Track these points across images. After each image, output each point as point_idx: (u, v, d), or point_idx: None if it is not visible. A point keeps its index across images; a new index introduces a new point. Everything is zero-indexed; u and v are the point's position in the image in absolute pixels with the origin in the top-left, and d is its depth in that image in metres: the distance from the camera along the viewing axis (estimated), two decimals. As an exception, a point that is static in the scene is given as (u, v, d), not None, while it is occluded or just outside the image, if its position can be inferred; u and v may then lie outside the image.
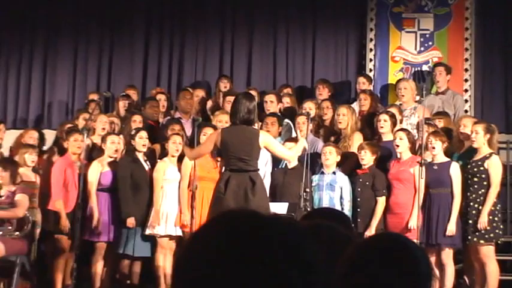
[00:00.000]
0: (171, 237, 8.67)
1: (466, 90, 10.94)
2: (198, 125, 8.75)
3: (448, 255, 8.16)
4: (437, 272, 8.07)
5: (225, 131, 7.42)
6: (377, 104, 10.10)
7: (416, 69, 11.12)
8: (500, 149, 9.56)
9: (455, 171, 8.22)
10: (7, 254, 8.04)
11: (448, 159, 8.36)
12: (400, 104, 9.87)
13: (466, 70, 11.00)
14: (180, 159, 8.79)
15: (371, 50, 11.32)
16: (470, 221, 8.12)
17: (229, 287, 1.34)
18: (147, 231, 8.70)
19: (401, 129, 8.75)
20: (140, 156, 8.92)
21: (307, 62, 11.69)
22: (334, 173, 8.57)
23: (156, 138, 9.63)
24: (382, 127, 8.93)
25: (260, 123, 9.10)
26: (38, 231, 8.64)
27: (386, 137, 8.89)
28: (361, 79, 10.65)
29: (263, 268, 1.35)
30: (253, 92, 9.30)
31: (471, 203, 8.17)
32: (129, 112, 10.20)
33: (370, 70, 11.24)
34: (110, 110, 10.89)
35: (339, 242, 2.43)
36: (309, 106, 9.63)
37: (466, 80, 10.99)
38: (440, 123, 9.19)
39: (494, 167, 8.18)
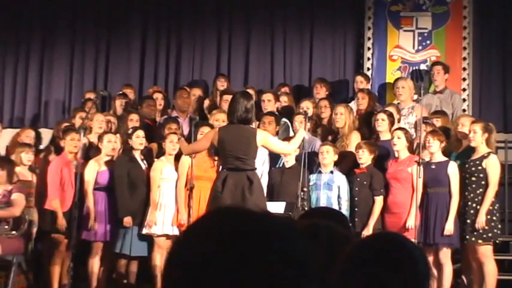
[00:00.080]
0: (168, 236, 8.65)
1: (464, 89, 10.92)
2: (195, 124, 8.72)
3: (446, 254, 8.15)
4: (435, 271, 8.05)
5: (222, 130, 7.41)
6: (375, 103, 10.09)
7: (414, 68, 11.10)
8: (498, 148, 9.56)
9: (453, 170, 8.20)
10: (3, 254, 8.02)
11: (446, 159, 8.34)
12: (398, 103, 9.85)
13: (464, 69, 10.99)
14: (177, 158, 8.78)
15: (369, 48, 11.30)
16: (468, 221, 8.11)
17: (220, 283, 1.32)
18: (144, 231, 8.69)
19: (399, 129, 8.74)
20: (137, 155, 8.90)
21: (305, 60, 11.67)
22: (331, 172, 8.55)
23: (153, 137, 9.62)
24: (379, 126, 8.91)
25: (257, 122, 9.08)
26: (34, 230, 8.62)
27: (384, 136, 8.88)
28: (359, 78, 10.63)
29: (255, 265, 1.33)
30: (250, 91, 9.26)
31: (469, 203, 8.16)
32: (126, 111, 10.18)
33: (368, 69, 11.22)
34: (106, 109, 10.87)
35: (337, 241, 2.45)
36: (307, 105, 9.61)
37: (464, 79, 10.97)
38: (438, 122, 9.18)
39: (492, 167, 8.17)
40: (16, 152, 8.83)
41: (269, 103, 9.92)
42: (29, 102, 12.04)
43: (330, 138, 9.30)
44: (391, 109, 9.24)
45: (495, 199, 8.20)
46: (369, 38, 11.32)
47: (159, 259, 8.58)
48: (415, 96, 9.89)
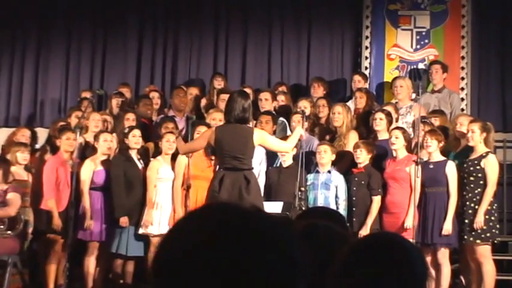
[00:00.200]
0: (164, 236, 8.59)
1: (462, 89, 10.91)
2: (192, 123, 8.68)
3: (444, 254, 8.12)
4: (433, 272, 8.03)
5: (219, 129, 7.38)
6: (373, 102, 10.07)
7: (412, 67, 11.08)
8: (496, 148, 9.57)
9: (451, 170, 8.18)
10: (-1, 254, 7.99)
11: (444, 158, 8.32)
12: (396, 102, 9.84)
13: (463, 68, 10.97)
14: (174, 157, 8.75)
15: (367, 47, 11.27)
16: (467, 221, 8.08)
17: (209, 278, 1.31)
18: (141, 231, 8.66)
19: (397, 128, 8.71)
20: (133, 155, 8.87)
21: (302, 59, 11.65)
22: (329, 172, 8.53)
23: (150, 137, 9.60)
24: (377, 125, 8.89)
25: (254, 122, 9.04)
26: (30, 230, 8.58)
27: (382, 135, 8.85)
28: (357, 77, 10.61)
29: (244, 260, 1.32)
30: (248, 90, 9.24)
31: (467, 202, 8.14)
32: (123, 110, 10.14)
33: (366, 68, 11.19)
34: (102, 108, 10.84)
35: (336, 241, 2.44)
36: (304, 104, 9.58)
37: (463, 78, 10.96)
38: (436, 121, 9.15)
39: (491, 166, 8.14)
40: (12, 152, 8.79)
41: (266, 102, 9.88)
42: (25, 101, 12.02)
43: (327, 137, 9.26)
44: (389, 108, 9.22)
45: (493, 199, 8.19)
46: (367, 37, 11.30)
47: (155, 259, 8.52)
48: (413, 96, 9.84)
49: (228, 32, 11.89)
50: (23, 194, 8.41)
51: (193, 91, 10.85)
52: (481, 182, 8.11)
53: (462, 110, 10.51)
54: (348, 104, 9.75)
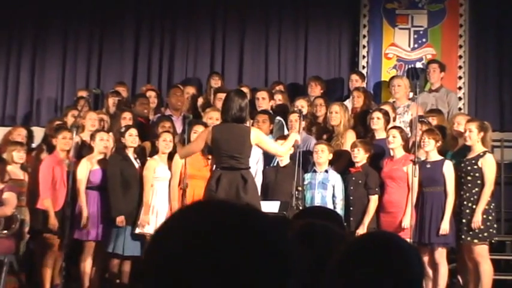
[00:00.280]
0: (161, 236, 8.57)
1: (460, 88, 10.90)
2: (189, 123, 8.66)
3: (441, 254, 8.11)
4: (430, 271, 8.01)
5: (216, 129, 7.36)
6: (370, 101, 10.05)
7: (409, 66, 11.07)
8: (494, 147, 9.55)
9: (448, 169, 8.17)
10: (-5, 253, 7.97)
11: (441, 158, 8.31)
12: (394, 102, 9.83)
13: (460, 67, 10.96)
14: (171, 157, 8.73)
15: (364, 46, 11.26)
16: (464, 220, 8.07)
17: (200, 274, 1.30)
18: (137, 230, 8.63)
19: (395, 127, 8.71)
20: (130, 154, 8.84)
21: (300, 59, 11.63)
22: (326, 171, 8.52)
23: (146, 136, 9.56)
24: (375, 125, 8.88)
25: (251, 121, 9.02)
26: (26, 229, 8.56)
27: (380, 134, 8.84)
28: (354, 76, 10.59)
29: (235, 257, 1.31)
30: (245, 90, 9.24)
31: (465, 202, 8.13)
32: (119, 109, 10.11)
33: (363, 67, 11.18)
34: (99, 107, 10.82)
35: (334, 241, 2.44)
36: (301, 104, 9.56)
37: (460, 78, 10.95)
38: (433, 120, 9.14)
39: (488, 166, 8.13)
40: (8, 151, 8.76)
41: (263, 101, 9.87)
42: (21, 100, 11.99)
43: (324, 136, 9.25)
44: (386, 107, 9.22)
45: (491, 198, 8.17)
46: (364, 36, 11.28)
47: (152, 259, 8.50)
48: (411, 95, 9.83)
49: (225, 31, 11.87)
50: (19, 193, 8.39)
51: (190, 90, 10.84)
52: (479, 182, 8.10)
53: (460, 109, 10.50)
54: (345, 103, 9.73)
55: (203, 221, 1.35)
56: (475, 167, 8.11)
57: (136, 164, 8.85)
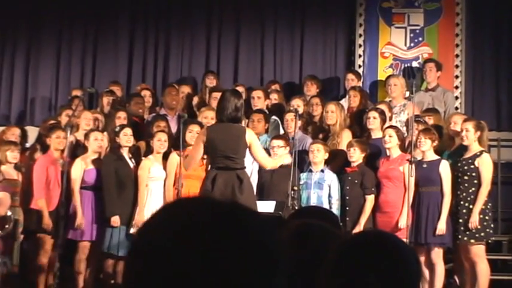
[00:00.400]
0: (156, 236, 8.53)
1: (456, 87, 10.88)
2: (184, 122, 8.61)
3: (437, 254, 8.09)
4: (426, 271, 7.99)
5: (210, 129, 7.33)
6: (366, 100, 10.03)
7: (406, 65, 11.05)
8: (490, 147, 9.55)
9: (444, 169, 8.15)
10: (-12, 254, 7.93)
11: (437, 157, 8.29)
12: (390, 101, 9.81)
13: (457, 66, 10.94)
14: (166, 156, 8.69)
15: (360, 45, 11.23)
16: (461, 220, 8.05)
17: (184, 271, 1.28)
18: (132, 230, 8.60)
19: (391, 127, 8.69)
20: (125, 154, 8.81)
21: (295, 58, 11.61)
22: (322, 171, 8.50)
23: (141, 135, 9.53)
24: (371, 124, 8.86)
25: (246, 120, 8.98)
26: (20, 230, 8.51)
27: (376, 134, 8.82)
28: (350, 75, 10.57)
29: (220, 254, 1.29)
30: (240, 89, 9.23)
31: (461, 202, 8.11)
32: (114, 108, 10.07)
33: (359, 66, 11.15)
34: (93, 107, 10.77)
35: (330, 241, 2.39)
36: (297, 103, 9.55)
37: (457, 77, 10.93)
38: (430, 120, 9.12)
39: (485, 165, 8.11)
40: (1, 150, 8.71)
41: (259, 100, 9.84)
42: (15, 99, 11.96)
43: (320, 136, 9.23)
44: (382, 107, 9.20)
45: (488, 198, 8.14)
46: (360, 35, 11.26)
47: (147, 259, 8.46)
48: (407, 94, 9.81)
49: (221, 30, 11.85)
50: (13, 193, 8.37)
51: (185, 89, 10.81)
52: (475, 181, 8.08)
53: (456, 108, 10.49)
54: (341, 102, 9.71)
55: (190, 215, 1.33)
56: (472, 166, 8.09)
57: (131, 164, 8.81)
